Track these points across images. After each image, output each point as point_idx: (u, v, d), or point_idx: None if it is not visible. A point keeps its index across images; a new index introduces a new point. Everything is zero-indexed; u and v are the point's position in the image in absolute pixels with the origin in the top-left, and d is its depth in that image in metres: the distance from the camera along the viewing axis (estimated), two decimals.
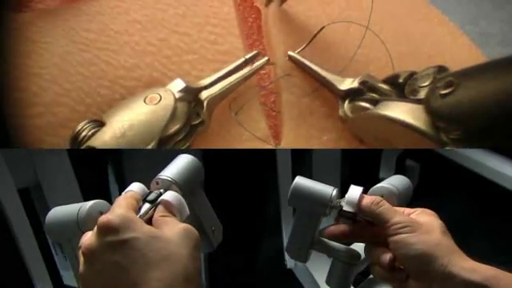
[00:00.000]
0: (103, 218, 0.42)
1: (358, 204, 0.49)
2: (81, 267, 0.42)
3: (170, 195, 0.47)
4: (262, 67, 0.67)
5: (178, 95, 0.62)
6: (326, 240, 0.52)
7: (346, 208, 0.49)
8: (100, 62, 0.68)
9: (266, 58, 0.67)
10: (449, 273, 0.44)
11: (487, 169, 1.18)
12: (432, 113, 0.55)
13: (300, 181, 0.51)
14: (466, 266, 0.44)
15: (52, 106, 0.65)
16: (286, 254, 1.32)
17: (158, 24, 0.71)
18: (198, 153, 0.88)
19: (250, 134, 0.65)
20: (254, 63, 0.67)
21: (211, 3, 0.74)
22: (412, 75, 0.61)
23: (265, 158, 1.13)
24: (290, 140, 0.65)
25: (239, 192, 1.32)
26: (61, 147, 0.64)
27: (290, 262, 1.33)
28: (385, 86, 0.62)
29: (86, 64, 0.67)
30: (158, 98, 0.62)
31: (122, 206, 0.44)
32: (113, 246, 0.40)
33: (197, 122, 0.63)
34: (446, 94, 0.53)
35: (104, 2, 0.73)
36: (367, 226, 0.50)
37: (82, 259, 0.42)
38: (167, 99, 0.62)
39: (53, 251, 1.06)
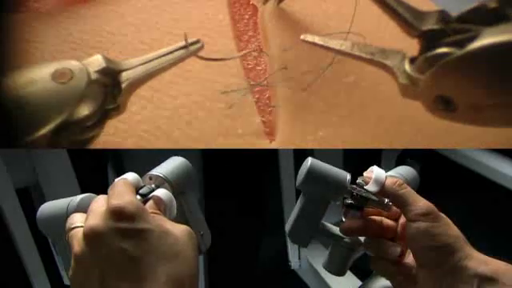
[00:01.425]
0: (115, 203, 0.39)
1: (382, 184, 0.47)
2: (77, 249, 0.40)
3: (162, 192, 0.46)
4: (196, 52, 0.59)
5: (94, 76, 0.54)
6: (329, 225, 0.51)
7: (370, 187, 0.47)
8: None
9: (201, 44, 0.60)
10: (464, 266, 0.44)
11: (487, 169, 1.18)
12: None
13: (315, 163, 0.48)
14: (479, 259, 0.44)
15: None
16: (288, 253, 1.33)
17: (153, 26, 0.73)
18: (197, 150, 0.87)
19: (243, 129, 0.64)
20: (189, 49, 0.60)
21: (207, 10, 0.75)
22: None
23: (267, 156, 1.13)
24: (285, 136, 0.64)
25: (240, 190, 1.32)
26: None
27: (294, 263, 1.32)
28: (466, 25, 0.49)
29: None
30: (69, 76, 0.53)
31: (130, 193, 0.42)
32: (125, 234, 0.39)
33: (112, 106, 0.56)
34: None
35: (100, 6, 0.75)
36: (371, 220, 0.50)
37: (78, 241, 0.40)
38: (79, 79, 0.52)
39: (53, 251, 1.06)
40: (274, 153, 1.15)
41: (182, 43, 0.59)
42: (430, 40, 0.51)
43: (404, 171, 0.55)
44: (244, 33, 0.73)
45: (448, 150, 1.24)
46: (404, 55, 0.53)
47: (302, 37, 0.64)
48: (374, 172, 0.48)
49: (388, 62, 0.54)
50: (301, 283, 1.32)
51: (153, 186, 0.47)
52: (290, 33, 0.71)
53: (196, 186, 0.53)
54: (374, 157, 1.28)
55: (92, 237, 0.39)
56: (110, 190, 0.42)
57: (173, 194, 0.47)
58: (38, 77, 0.52)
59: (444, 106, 0.49)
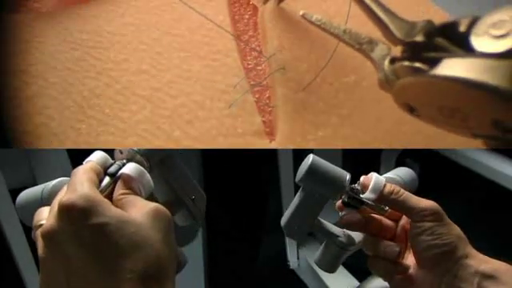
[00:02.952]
0: (65, 200, 0.37)
1: (380, 192, 0.48)
2: (40, 250, 0.38)
3: (130, 168, 0.42)
4: None
5: None
6: (324, 222, 0.51)
7: (368, 195, 0.48)
8: (90, 58, 0.69)
9: None
10: (465, 264, 0.45)
11: (487, 169, 1.18)
12: None
13: (316, 160, 0.48)
14: (479, 257, 0.45)
15: (33, 98, 0.65)
16: (287, 253, 1.33)
17: (152, 26, 0.73)
18: (197, 150, 0.87)
19: (244, 129, 0.64)
20: None
21: (207, 11, 0.74)
22: (475, 22, 0.46)
23: (266, 156, 1.13)
24: (285, 135, 0.64)
25: (240, 190, 1.32)
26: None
27: (292, 263, 1.32)
28: (443, 41, 0.49)
29: (75, 60, 0.68)
30: None
31: (84, 183, 0.39)
32: (78, 232, 0.36)
33: None
34: None
35: (100, 6, 0.75)
36: (371, 218, 0.50)
37: (40, 242, 0.38)
38: None
39: None
40: (273, 153, 1.15)
41: None
42: (410, 50, 0.51)
43: (402, 173, 0.55)
44: (244, 33, 0.73)
45: (448, 150, 1.24)
46: (389, 51, 0.54)
47: (301, 12, 0.64)
48: (373, 180, 0.48)
49: (373, 55, 0.55)
50: (299, 283, 1.32)
51: (124, 161, 0.44)
52: (289, 33, 0.71)
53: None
54: (373, 157, 1.28)
55: (48, 239, 0.37)
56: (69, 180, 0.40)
57: (149, 165, 0.44)
58: None
59: (410, 111, 0.51)
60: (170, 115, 0.65)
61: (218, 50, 0.70)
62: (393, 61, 0.53)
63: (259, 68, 0.69)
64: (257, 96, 0.67)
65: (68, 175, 1.02)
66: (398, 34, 0.52)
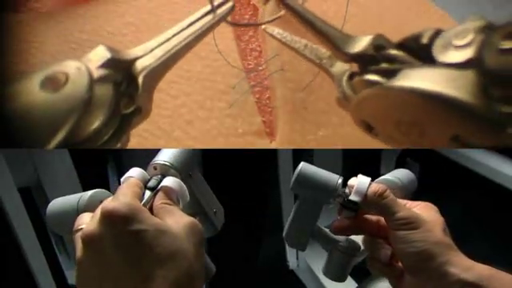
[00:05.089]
0: (108, 205, 0.38)
1: (365, 194, 0.47)
2: (78, 253, 0.40)
3: (170, 181, 0.45)
4: (225, 17, 0.49)
5: (98, 73, 0.43)
6: (325, 229, 0.51)
7: (352, 197, 0.47)
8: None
9: (232, 4, 0.51)
10: (445, 271, 0.43)
11: (487, 169, 1.18)
12: (487, 75, 0.40)
13: (306, 167, 0.49)
14: (462, 264, 0.44)
15: None
16: (287, 254, 1.33)
17: (153, 26, 0.72)
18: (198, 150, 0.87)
19: (244, 129, 0.64)
20: (217, 12, 0.50)
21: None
22: (438, 33, 0.46)
23: (266, 157, 1.13)
24: (285, 135, 0.64)
25: (240, 191, 1.32)
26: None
27: (292, 263, 1.33)
28: (400, 53, 0.47)
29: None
30: (63, 80, 0.42)
31: (128, 195, 0.41)
32: (118, 237, 0.38)
33: (131, 109, 0.46)
34: (508, 50, 0.40)
35: (100, 6, 0.75)
36: (367, 219, 0.49)
37: (79, 245, 0.40)
38: (76, 82, 0.42)
39: (56, 251, 1.06)
40: (273, 153, 1.15)
41: (207, 7, 0.48)
42: (364, 63, 0.50)
43: (401, 175, 0.54)
44: (244, 33, 0.73)
45: (448, 149, 1.24)
46: (349, 67, 0.53)
47: (263, 27, 0.64)
48: (357, 181, 0.48)
49: (332, 70, 0.54)
50: (298, 283, 1.32)
51: (159, 176, 0.46)
52: (289, 33, 0.71)
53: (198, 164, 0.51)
54: (373, 157, 1.28)
55: (87, 242, 0.39)
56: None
57: (181, 178, 0.46)
58: (24, 88, 0.42)
59: (368, 129, 0.51)
60: (171, 115, 0.65)
61: (220, 50, 0.70)
62: (351, 76, 0.52)
63: (259, 68, 0.69)
64: (257, 96, 0.68)
65: (70, 174, 1.02)
66: (343, 46, 0.51)
